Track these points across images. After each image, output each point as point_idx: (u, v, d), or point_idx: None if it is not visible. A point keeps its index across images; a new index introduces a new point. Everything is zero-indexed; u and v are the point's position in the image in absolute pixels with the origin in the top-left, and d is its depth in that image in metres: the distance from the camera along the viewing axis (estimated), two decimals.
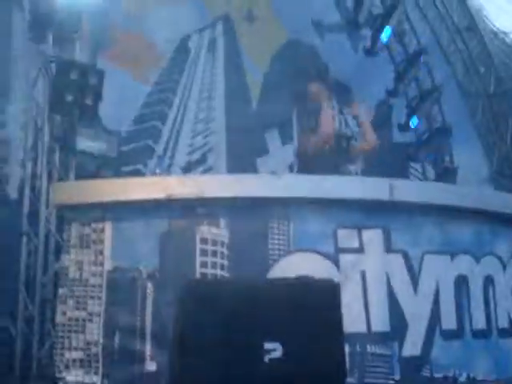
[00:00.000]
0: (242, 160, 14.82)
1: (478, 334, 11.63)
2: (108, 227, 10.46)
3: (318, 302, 6.09)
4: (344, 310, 6.29)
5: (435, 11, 16.46)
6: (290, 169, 15.32)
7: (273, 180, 11.22)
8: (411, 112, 16.26)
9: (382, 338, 10.90)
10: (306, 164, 14.82)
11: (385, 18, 15.48)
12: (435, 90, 16.17)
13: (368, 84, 15.55)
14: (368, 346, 10.76)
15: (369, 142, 13.46)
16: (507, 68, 17.94)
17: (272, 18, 15.73)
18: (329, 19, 15.95)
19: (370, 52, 15.55)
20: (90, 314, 10.30)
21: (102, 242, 10.46)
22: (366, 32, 15.75)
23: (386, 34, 15.33)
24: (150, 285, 10.36)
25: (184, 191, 10.48)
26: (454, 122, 16.50)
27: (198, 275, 10.27)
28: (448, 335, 11.33)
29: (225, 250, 10.54)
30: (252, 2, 15.59)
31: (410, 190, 11.64)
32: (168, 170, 13.91)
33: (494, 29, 18.19)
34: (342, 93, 15.78)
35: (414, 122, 16.27)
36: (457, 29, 16.72)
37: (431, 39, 16.16)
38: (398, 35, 15.99)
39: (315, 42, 15.71)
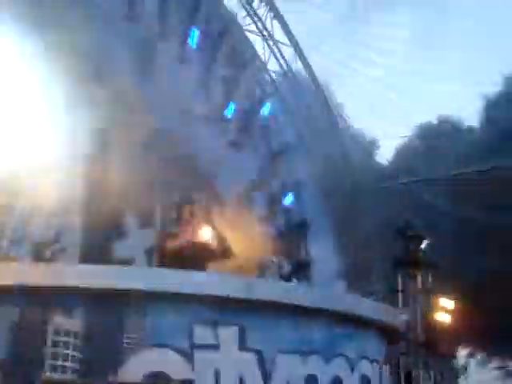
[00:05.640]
0: (98, 243, 14.53)
1: None
2: None
3: None
4: None
5: (300, 112, 17.11)
6: (148, 254, 15.19)
7: (131, 271, 11.15)
8: (272, 205, 16.65)
9: None
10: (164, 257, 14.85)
11: (251, 113, 15.94)
12: (296, 186, 16.69)
13: (232, 176, 15.80)
14: None
15: None
16: (363, 167, 18.81)
17: (140, 106, 15.73)
18: (198, 110, 16.19)
19: (235, 145, 15.89)
20: None
21: None
22: (233, 125, 16.11)
23: None
24: None
25: (37, 278, 10.13)
26: (312, 218, 16.98)
27: (48, 367, 9.91)
28: None
29: (78, 342, 10.21)
30: (121, 89, 15.56)
31: (265, 288, 11.83)
32: (20, 250, 13.36)
33: (353, 130, 19.09)
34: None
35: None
36: (319, 129, 17.44)
37: (295, 138, 16.72)
38: (263, 132, 16.46)
39: (183, 131, 15.86)
